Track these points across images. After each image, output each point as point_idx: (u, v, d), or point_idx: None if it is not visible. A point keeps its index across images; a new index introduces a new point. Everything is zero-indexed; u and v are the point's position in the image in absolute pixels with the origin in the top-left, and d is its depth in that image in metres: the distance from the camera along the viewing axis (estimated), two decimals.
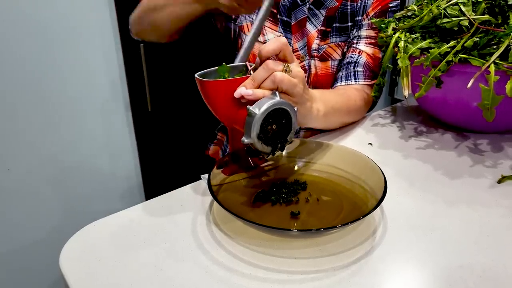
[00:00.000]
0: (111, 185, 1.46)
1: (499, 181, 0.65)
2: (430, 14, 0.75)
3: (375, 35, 0.87)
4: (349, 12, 0.89)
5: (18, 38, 1.13)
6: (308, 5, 0.87)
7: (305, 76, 0.90)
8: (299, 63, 0.89)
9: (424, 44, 0.74)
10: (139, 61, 1.36)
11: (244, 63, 0.62)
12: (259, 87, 0.55)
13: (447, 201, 0.60)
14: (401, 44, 0.76)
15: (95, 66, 1.29)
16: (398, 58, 0.76)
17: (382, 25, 0.83)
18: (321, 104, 0.71)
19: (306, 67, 0.91)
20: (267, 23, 0.89)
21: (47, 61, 1.19)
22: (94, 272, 0.48)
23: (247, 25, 0.90)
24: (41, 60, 1.18)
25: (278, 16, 0.88)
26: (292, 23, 0.88)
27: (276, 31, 0.89)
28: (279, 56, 0.57)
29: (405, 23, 0.80)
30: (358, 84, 0.87)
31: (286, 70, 0.57)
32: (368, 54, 0.87)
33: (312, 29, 0.89)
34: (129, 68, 1.36)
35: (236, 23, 0.91)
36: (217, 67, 0.61)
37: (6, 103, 1.15)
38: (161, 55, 1.42)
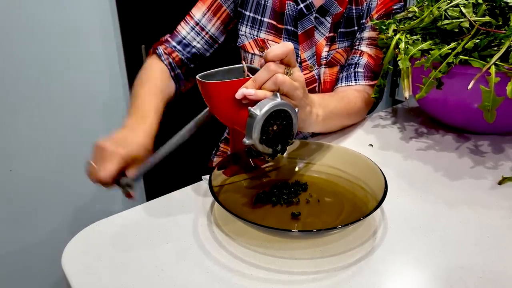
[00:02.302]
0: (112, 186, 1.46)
1: (500, 183, 0.65)
2: (431, 15, 0.75)
3: (377, 36, 0.87)
4: (354, 16, 0.88)
5: (20, 39, 1.13)
6: (314, 14, 0.86)
7: (316, 86, 0.90)
8: (308, 73, 0.89)
9: (424, 45, 0.74)
10: (140, 63, 1.36)
11: (242, 65, 0.62)
12: (260, 88, 0.56)
13: (447, 202, 0.60)
14: (402, 45, 0.77)
15: (97, 68, 1.29)
16: (398, 60, 0.76)
17: (383, 27, 0.83)
18: (320, 109, 0.71)
19: (316, 76, 0.89)
20: (270, 37, 0.87)
21: (48, 62, 1.20)
22: (96, 272, 0.48)
23: (249, 43, 0.89)
24: (42, 61, 1.18)
25: (283, 26, 0.87)
26: (298, 33, 0.87)
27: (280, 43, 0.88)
28: (284, 61, 0.57)
29: (406, 24, 0.81)
30: (359, 85, 0.86)
31: (287, 73, 0.57)
32: (369, 55, 0.87)
33: (320, 38, 0.88)
34: (131, 70, 1.36)
35: (237, 43, 0.91)
36: (217, 69, 0.61)
37: (8, 104, 1.16)
38: None
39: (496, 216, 0.57)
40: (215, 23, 0.87)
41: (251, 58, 0.90)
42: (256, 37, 0.88)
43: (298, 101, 0.60)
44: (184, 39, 0.87)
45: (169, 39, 0.89)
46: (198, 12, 0.87)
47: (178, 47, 0.87)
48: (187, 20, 0.88)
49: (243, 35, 0.89)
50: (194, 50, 0.88)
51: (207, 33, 0.88)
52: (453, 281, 0.46)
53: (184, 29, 0.88)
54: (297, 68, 0.59)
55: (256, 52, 0.89)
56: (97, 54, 1.28)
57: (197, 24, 0.87)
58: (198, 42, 0.88)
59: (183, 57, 0.88)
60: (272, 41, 0.88)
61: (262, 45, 0.88)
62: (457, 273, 0.47)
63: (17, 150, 1.21)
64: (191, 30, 0.87)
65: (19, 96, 1.17)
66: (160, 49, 0.87)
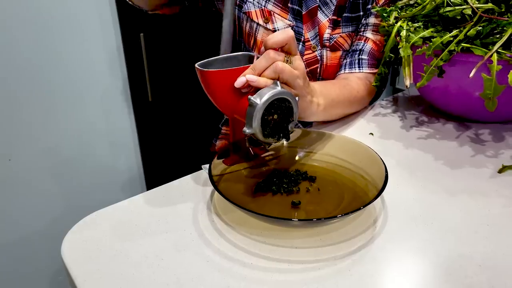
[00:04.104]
0: (112, 175, 1.46)
1: (500, 171, 0.65)
2: (433, 2, 0.74)
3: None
4: (361, 1, 0.87)
5: (18, 28, 1.12)
6: None
7: (317, 67, 0.89)
8: (311, 53, 0.88)
9: (426, 33, 0.73)
10: (139, 51, 1.36)
11: (241, 53, 0.62)
12: (260, 76, 0.55)
13: (447, 191, 0.60)
14: (403, 33, 0.76)
15: (95, 56, 1.28)
16: (400, 48, 0.75)
17: (384, 14, 0.83)
18: (321, 98, 0.71)
19: (318, 57, 0.89)
20: (277, 10, 0.86)
21: (47, 52, 1.19)
22: (96, 261, 0.48)
23: (255, 11, 0.88)
24: (40, 50, 1.17)
25: (289, 4, 0.87)
26: (303, 12, 0.86)
27: (286, 19, 0.87)
28: (284, 49, 0.56)
29: (407, 12, 0.80)
30: (362, 72, 0.86)
31: (287, 61, 0.56)
32: (374, 42, 0.86)
33: (323, 18, 0.87)
34: (129, 58, 1.35)
35: (242, 10, 0.89)
36: (216, 57, 0.60)
37: (7, 93, 1.15)
38: (161, 45, 1.41)
39: (496, 205, 0.57)
40: None
41: (256, 28, 0.89)
42: (263, 7, 0.87)
43: (298, 90, 0.60)
44: None
45: None
46: None
47: None
48: None
49: (250, 2, 0.88)
50: None
51: None
52: (452, 270, 0.46)
53: None
54: (297, 57, 0.58)
55: (261, 22, 0.88)
56: (96, 42, 1.27)
57: None
58: None
59: None
60: (279, 15, 0.87)
61: (268, 17, 0.87)
62: (456, 262, 0.47)
63: (16, 139, 1.20)
64: None
65: (18, 86, 1.16)
66: None
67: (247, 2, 0.88)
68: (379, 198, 0.56)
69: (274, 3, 0.87)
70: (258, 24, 0.88)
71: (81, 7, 1.21)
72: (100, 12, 1.25)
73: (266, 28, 0.87)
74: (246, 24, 0.91)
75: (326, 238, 0.51)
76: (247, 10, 0.89)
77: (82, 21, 1.22)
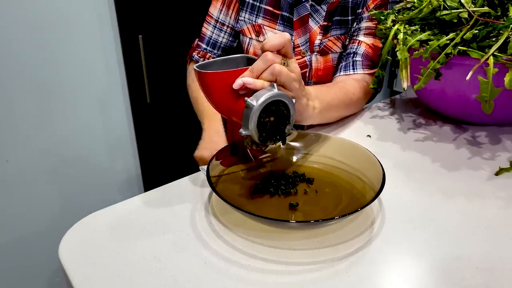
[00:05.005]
0: (110, 176, 1.46)
1: (497, 173, 0.66)
2: (430, 6, 0.75)
3: (375, 26, 0.87)
4: (350, 5, 0.89)
5: (16, 30, 1.12)
6: (310, 2, 0.88)
7: (306, 71, 0.91)
8: (300, 58, 0.91)
9: (423, 36, 0.74)
10: (138, 53, 1.36)
11: (240, 55, 0.62)
12: (257, 78, 0.55)
13: (445, 193, 0.61)
14: (400, 36, 0.76)
15: (94, 58, 1.28)
16: (397, 50, 0.75)
17: (382, 17, 0.83)
18: (317, 102, 0.71)
19: (307, 62, 0.91)
20: (266, 22, 0.91)
21: (45, 53, 1.19)
22: (93, 262, 0.48)
23: (247, 28, 0.93)
24: (39, 52, 1.17)
25: (280, 12, 0.89)
26: (294, 19, 0.89)
27: (275, 29, 0.91)
28: (281, 52, 0.57)
29: (405, 15, 0.80)
30: (357, 73, 0.87)
31: (284, 63, 0.57)
32: (367, 44, 0.87)
33: (314, 26, 0.89)
34: (128, 60, 1.35)
35: (235, 28, 0.95)
36: (214, 59, 0.61)
37: (4, 95, 1.15)
38: (160, 47, 1.42)
39: (493, 207, 0.57)
40: (231, 15, 0.94)
41: (249, 42, 0.94)
42: (253, 23, 0.92)
43: (295, 92, 0.60)
44: (210, 39, 0.96)
45: (199, 43, 0.98)
46: (215, 10, 0.95)
47: (208, 48, 0.96)
48: (208, 20, 0.96)
49: (242, 20, 0.93)
50: (222, 45, 0.96)
51: (228, 26, 0.95)
52: (449, 272, 0.46)
53: (208, 30, 0.96)
54: (294, 60, 0.59)
55: (253, 36, 0.93)
56: (95, 45, 1.27)
57: (217, 21, 0.95)
58: (223, 37, 0.95)
59: (215, 56, 0.95)
60: (268, 26, 0.91)
61: (259, 30, 0.92)
62: (454, 264, 0.47)
63: (13, 140, 1.20)
64: (214, 29, 0.95)
65: (16, 88, 1.16)
66: (195, 55, 0.96)
67: (239, 21, 0.94)
68: (376, 200, 0.56)
69: (263, 17, 0.91)
70: (250, 38, 0.94)
71: (80, 9, 1.21)
72: (99, 14, 1.25)
73: (258, 41, 0.93)
74: (240, 38, 0.97)
75: (323, 240, 0.51)
76: (240, 29, 0.95)
77: (81, 23, 1.22)
